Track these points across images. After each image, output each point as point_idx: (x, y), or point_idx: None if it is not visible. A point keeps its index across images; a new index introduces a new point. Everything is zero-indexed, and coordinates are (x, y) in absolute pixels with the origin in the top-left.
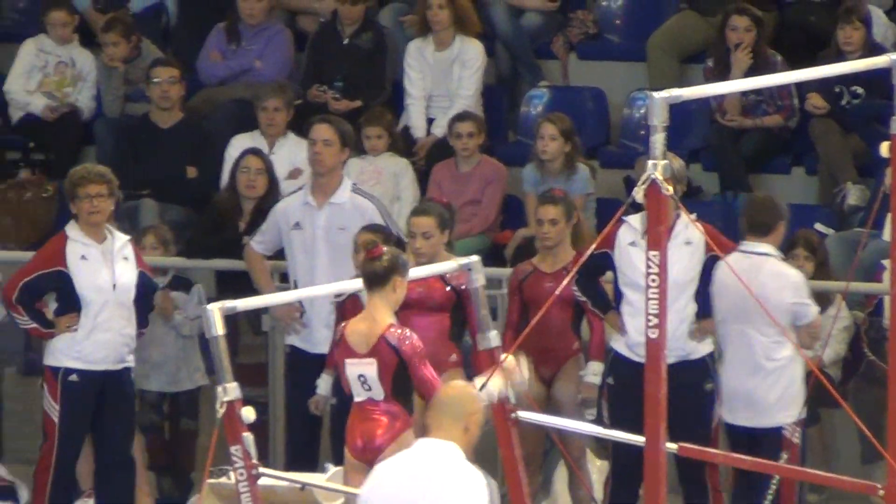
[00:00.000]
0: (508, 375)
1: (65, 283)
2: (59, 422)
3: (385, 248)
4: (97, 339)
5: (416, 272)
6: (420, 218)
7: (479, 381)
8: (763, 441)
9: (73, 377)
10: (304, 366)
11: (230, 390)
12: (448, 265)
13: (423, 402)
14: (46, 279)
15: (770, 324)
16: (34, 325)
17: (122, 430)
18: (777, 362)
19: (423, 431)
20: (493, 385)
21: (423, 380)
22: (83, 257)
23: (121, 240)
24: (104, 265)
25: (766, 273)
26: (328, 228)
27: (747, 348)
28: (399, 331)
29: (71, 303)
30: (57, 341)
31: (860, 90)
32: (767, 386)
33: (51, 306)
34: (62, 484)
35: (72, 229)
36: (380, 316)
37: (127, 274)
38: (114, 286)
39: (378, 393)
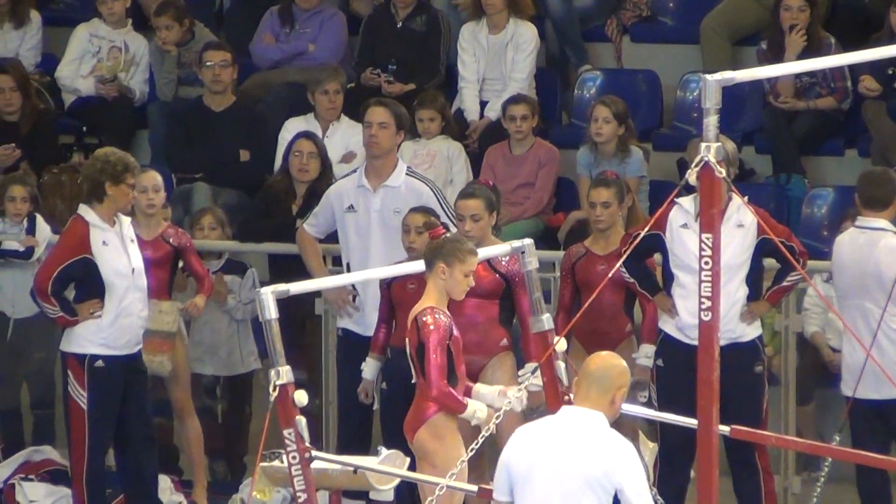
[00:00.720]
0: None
1: (89, 270)
2: (89, 409)
3: (442, 233)
4: (122, 324)
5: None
6: (468, 201)
7: (479, 406)
8: (893, 412)
9: (100, 363)
10: (357, 349)
11: (283, 373)
12: (502, 248)
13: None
14: (75, 267)
15: (885, 296)
16: (62, 314)
17: (144, 408)
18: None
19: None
20: (478, 409)
21: (426, 368)
22: (104, 243)
23: (126, 222)
24: (122, 250)
25: (882, 248)
26: (383, 211)
27: (867, 323)
28: (426, 317)
29: (91, 289)
30: (80, 328)
31: None
32: (890, 358)
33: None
34: (98, 471)
35: (89, 214)
36: (425, 299)
37: (138, 257)
38: (132, 270)
39: (416, 374)
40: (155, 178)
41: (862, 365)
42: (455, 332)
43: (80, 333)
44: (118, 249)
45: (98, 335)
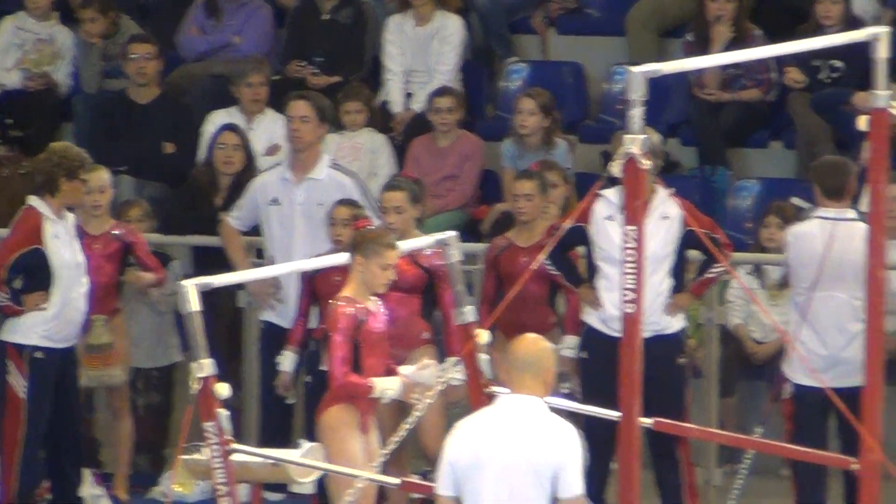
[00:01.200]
0: (408, 390)
1: (39, 261)
2: (28, 398)
3: (365, 225)
4: (66, 317)
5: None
6: (392, 193)
7: (382, 382)
8: (853, 400)
9: (40, 354)
10: (280, 342)
11: (205, 366)
12: (425, 241)
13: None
14: (27, 257)
15: (861, 286)
16: (10, 302)
17: (75, 402)
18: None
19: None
20: (388, 385)
21: (330, 355)
22: (56, 236)
23: (71, 218)
24: (69, 243)
25: (861, 239)
26: (306, 204)
27: (835, 313)
28: (334, 308)
29: (38, 280)
30: (24, 318)
31: (839, 64)
32: (856, 347)
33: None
34: (32, 460)
35: (43, 206)
36: (342, 289)
37: (81, 252)
38: (77, 264)
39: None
40: (101, 177)
41: (820, 354)
42: (367, 322)
43: (23, 323)
44: (67, 243)
45: (41, 326)
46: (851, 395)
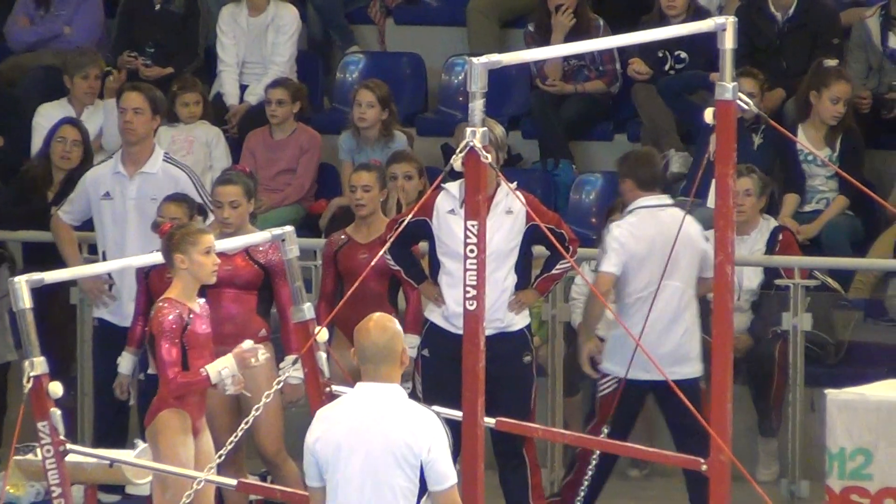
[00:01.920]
0: (243, 360)
1: None
2: None
3: (171, 226)
4: None
5: (226, 243)
6: (226, 187)
7: (212, 366)
8: (688, 390)
9: None
10: (113, 339)
11: (37, 365)
12: (261, 236)
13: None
14: None
15: (693, 273)
16: None
17: None
18: (694, 314)
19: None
20: (221, 365)
21: (159, 359)
22: None
23: None
24: None
25: (689, 223)
26: (139, 199)
27: (669, 302)
28: (155, 312)
29: None
30: None
31: (684, 55)
32: (689, 337)
33: None
34: None
35: None
36: (166, 292)
37: None
38: None
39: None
40: None
41: (654, 346)
42: (192, 321)
43: None
44: None
45: None
46: (683, 388)
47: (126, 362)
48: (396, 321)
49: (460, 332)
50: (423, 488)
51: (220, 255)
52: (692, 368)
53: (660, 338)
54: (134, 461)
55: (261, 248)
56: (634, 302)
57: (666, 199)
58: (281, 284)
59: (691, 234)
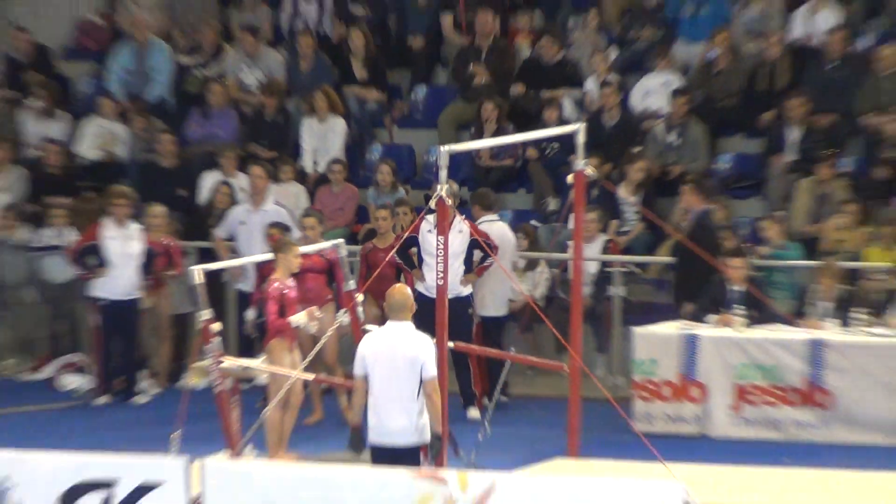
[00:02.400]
0: (311, 315)
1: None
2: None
3: (276, 238)
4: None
5: (307, 248)
6: (308, 218)
7: (294, 317)
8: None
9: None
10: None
11: (206, 314)
12: (327, 244)
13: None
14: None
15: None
16: None
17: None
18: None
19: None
20: (297, 317)
21: (267, 311)
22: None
23: None
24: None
25: (504, 229)
26: (260, 224)
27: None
28: (267, 282)
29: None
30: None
31: (557, 144)
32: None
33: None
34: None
35: None
36: (273, 274)
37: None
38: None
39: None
40: None
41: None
42: (287, 291)
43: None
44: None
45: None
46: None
47: (251, 313)
48: (409, 288)
49: (433, 295)
50: (419, 382)
51: (304, 254)
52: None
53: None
54: (258, 365)
55: (326, 251)
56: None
57: (496, 216)
58: (338, 271)
59: (509, 234)
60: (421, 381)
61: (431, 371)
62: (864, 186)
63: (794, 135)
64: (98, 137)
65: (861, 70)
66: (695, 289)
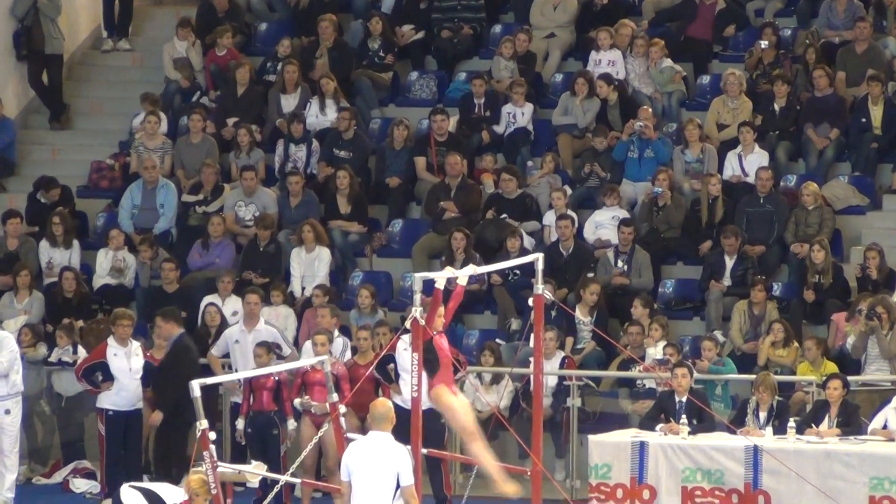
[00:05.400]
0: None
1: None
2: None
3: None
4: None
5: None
6: (319, 336)
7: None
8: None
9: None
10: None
11: (203, 424)
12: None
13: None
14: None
15: None
16: None
17: None
18: None
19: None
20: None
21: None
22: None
23: None
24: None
25: None
26: (252, 343)
27: None
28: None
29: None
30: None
31: (518, 272)
32: None
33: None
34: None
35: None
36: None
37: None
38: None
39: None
40: None
41: None
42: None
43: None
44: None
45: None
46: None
47: (240, 423)
48: (391, 402)
49: (409, 408)
50: (396, 487)
51: (312, 368)
52: None
53: None
54: (249, 469)
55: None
56: None
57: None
58: (344, 384)
59: None
60: (398, 486)
61: (409, 479)
62: (794, 308)
63: (729, 262)
64: (110, 266)
65: (788, 205)
66: None
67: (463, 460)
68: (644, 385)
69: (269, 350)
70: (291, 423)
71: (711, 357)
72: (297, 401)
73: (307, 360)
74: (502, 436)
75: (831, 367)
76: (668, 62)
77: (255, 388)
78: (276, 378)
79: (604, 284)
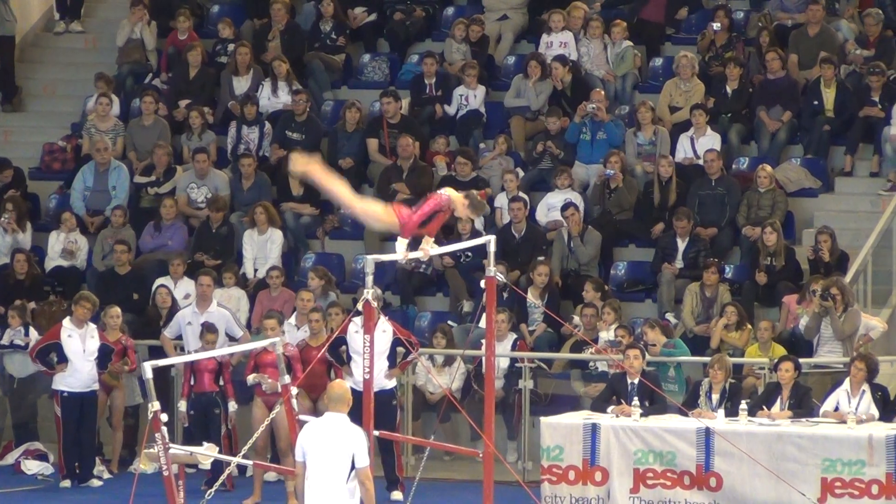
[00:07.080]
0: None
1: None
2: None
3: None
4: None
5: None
6: (270, 320)
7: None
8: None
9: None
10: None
11: (155, 405)
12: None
13: None
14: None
15: None
16: None
17: None
18: None
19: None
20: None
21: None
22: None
23: None
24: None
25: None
26: (204, 324)
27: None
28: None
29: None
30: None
31: (470, 253)
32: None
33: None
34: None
35: None
36: None
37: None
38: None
39: None
40: None
41: None
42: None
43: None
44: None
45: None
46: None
47: (182, 405)
48: (347, 383)
49: (360, 389)
50: (350, 468)
51: (265, 351)
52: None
53: None
54: (201, 451)
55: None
56: None
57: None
58: (296, 365)
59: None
60: (353, 467)
61: (364, 461)
62: (746, 291)
63: (682, 245)
64: (62, 248)
65: (740, 187)
66: None
67: (415, 442)
68: (596, 367)
69: (211, 331)
70: (233, 405)
71: (656, 352)
72: (250, 377)
73: (259, 342)
74: (454, 418)
75: (779, 349)
76: (627, 44)
77: (197, 369)
78: (218, 360)
79: (557, 267)
